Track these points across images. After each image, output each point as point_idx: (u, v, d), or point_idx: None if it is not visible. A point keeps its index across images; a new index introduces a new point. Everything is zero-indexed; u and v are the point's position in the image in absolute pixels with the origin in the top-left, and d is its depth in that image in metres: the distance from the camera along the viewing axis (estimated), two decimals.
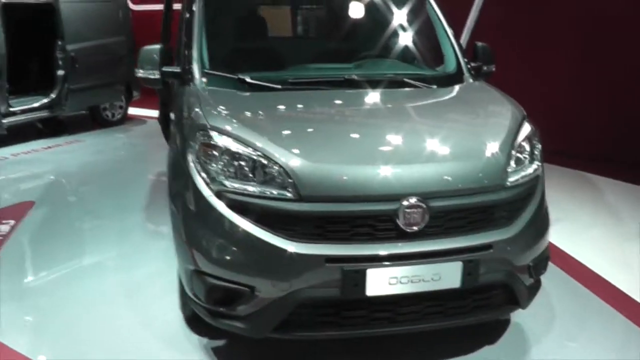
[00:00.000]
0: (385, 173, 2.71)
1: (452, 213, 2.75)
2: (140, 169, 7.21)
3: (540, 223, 3.05)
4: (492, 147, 2.94)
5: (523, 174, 2.99)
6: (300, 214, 2.65)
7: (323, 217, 2.65)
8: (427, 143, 2.95)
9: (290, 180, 2.68)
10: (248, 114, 3.14)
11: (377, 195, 2.67)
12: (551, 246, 3.21)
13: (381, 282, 2.67)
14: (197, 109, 3.12)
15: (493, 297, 2.94)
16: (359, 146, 2.91)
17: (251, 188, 2.73)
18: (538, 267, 3.07)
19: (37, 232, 5.03)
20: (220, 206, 2.77)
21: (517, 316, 3.45)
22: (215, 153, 2.85)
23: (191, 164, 2.91)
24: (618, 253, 4.71)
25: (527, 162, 3.07)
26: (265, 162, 2.74)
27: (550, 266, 3.34)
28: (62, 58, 8.44)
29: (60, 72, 8.47)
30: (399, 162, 2.77)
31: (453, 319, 2.88)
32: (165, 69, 3.69)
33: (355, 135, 3.04)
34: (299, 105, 3.36)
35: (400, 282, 2.68)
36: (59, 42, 8.40)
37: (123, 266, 4.32)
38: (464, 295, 2.85)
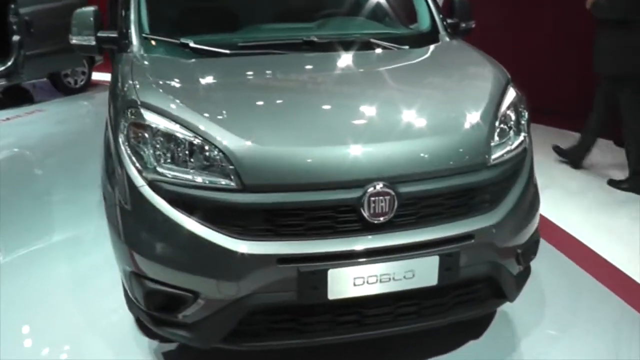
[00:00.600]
0: (345, 155, 2.30)
1: (426, 199, 2.36)
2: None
3: (528, 203, 2.67)
4: (472, 118, 2.53)
5: (508, 148, 2.59)
6: (246, 206, 2.25)
7: (272, 209, 2.25)
8: (395, 117, 2.53)
9: (231, 167, 2.26)
10: (187, 86, 2.70)
11: (335, 182, 2.27)
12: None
13: (345, 283, 2.29)
14: (129, 81, 2.68)
15: (476, 292, 2.58)
16: (314, 123, 2.48)
17: (188, 177, 2.31)
18: (527, 253, 2.70)
19: None
20: (154, 198, 2.36)
21: (504, 304, 3.09)
22: (147, 135, 2.42)
23: (122, 147, 2.48)
24: (609, 222, 4.37)
25: (512, 134, 2.67)
26: (203, 145, 2.32)
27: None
28: (15, 22, 7.84)
29: (15, 38, 7.87)
30: (361, 140, 2.35)
31: (431, 319, 2.51)
32: (100, 34, 3.23)
33: (311, 110, 2.59)
34: (249, 74, 2.91)
35: (367, 283, 2.31)
36: (12, 6, 7.80)
37: (76, 254, 3.91)
38: (442, 292, 2.48)
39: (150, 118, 2.43)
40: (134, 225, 2.44)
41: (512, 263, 2.62)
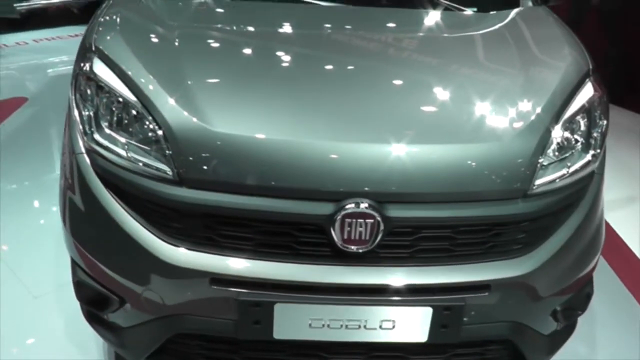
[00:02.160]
0: (320, 153, 1.67)
1: (427, 230, 1.71)
2: None
3: (582, 248, 1.95)
4: (517, 121, 1.81)
5: (564, 171, 1.85)
6: (181, 205, 1.70)
7: (212, 214, 1.69)
8: (407, 110, 1.85)
9: (168, 151, 1.71)
10: (160, 33, 2.12)
11: (300, 189, 1.66)
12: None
13: (298, 323, 1.72)
14: (98, 18, 2.17)
15: (487, 354, 1.93)
16: (293, 107, 1.83)
17: (122, 153, 1.78)
18: (571, 309, 2.02)
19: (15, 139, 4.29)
20: (88, 172, 1.87)
21: None
22: (89, 91, 1.90)
23: (73, 102, 1.99)
24: None
25: (576, 150, 1.92)
26: (143, 115, 1.77)
27: None
28: None
29: None
30: (346, 137, 1.71)
31: None
32: None
33: (299, 88, 1.92)
34: (239, 26, 2.28)
35: (329, 327, 1.72)
36: None
37: None
38: (436, 349, 1.86)
39: (100, 71, 1.91)
40: (69, 198, 1.97)
41: (544, 322, 1.95)
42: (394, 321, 1.72)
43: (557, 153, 1.86)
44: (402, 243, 1.70)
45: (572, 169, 1.87)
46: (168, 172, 1.70)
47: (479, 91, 1.92)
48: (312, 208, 1.65)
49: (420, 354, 1.85)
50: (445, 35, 2.37)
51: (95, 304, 1.96)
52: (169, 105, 1.74)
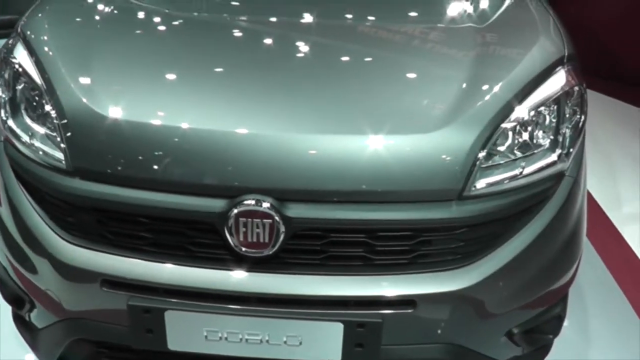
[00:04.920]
0: (214, 143, 1.48)
1: (338, 234, 1.49)
2: None
3: (548, 260, 1.67)
4: (459, 111, 1.54)
5: (517, 171, 1.58)
6: (71, 197, 1.55)
7: (103, 208, 1.53)
8: (323, 94, 1.62)
9: (60, 137, 1.57)
10: (79, 21, 1.96)
11: (192, 183, 1.48)
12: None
13: (192, 334, 1.54)
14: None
15: None
16: (191, 91, 1.63)
17: (25, 140, 1.67)
18: (535, 332, 1.73)
19: None
20: (2, 159, 1.79)
21: None
22: (7, 75, 1.80)
23: None
24: None
25: (541, 147, 1.64)
26: (45, 100, 1.64)
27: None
28: None
29: None
30: (238, 124, 1.50)
31: None
32: None
33: (201, 72, 1.71)
34: (159, 16, 2.00)
35: (227, 340, 1.53)
36: None
37: None
38: None
39: (19, 55, 1.80)
40: None
41: (496, 346, 1.68)
42: (300, 337, 1.51)
43: (510, 150, 1.60)
44: (310, 248, 1.49)
45: (527, 170, 1.59)
46: (62, 161, 1.57)
47: (415, 77, 1.69)
48: (204, 204, 1.47)
49: None
50: (404, 17, 2.09)
51: (15, 303, 1.86)
52: (67, 90, 1.61)
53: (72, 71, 1.66)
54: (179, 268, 1.51)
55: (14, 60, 1.79)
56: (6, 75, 1.79)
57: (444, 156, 1.49)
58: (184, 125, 1.50)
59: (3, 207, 1.78)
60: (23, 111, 1.73)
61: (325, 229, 1.47)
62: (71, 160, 1.55)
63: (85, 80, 1.63)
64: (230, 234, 1.46)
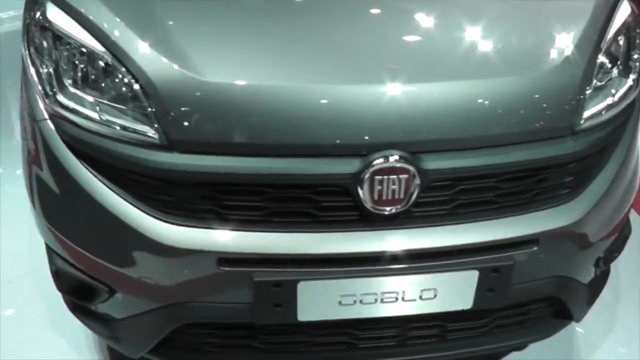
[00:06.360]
0: (336, 100, 1.39)
1: (468, 181, 1.46)
2: None
3: (625, 186, 1.74)
4: (559, 48, 1.55)
5: (609, 100, 1.62)
6: (173, 173, 1.40)
7: (211, 181, 1.40)
8: (433, 42, 1.56)
9: (150, 109, 1.40)
10: None
11: (316, 145, 1.39)
12: None
13: (325, 302, 1.48)
14: None
15: (529, 313, 1.73)
16: (294, 45, 1.50)
17: (93, 116, 1.47)
18: (612, 253, 1.83)
19: None
20: (54, 140, 1.56)
21: None
22: (46, 43, 1.57)
23: (28, 59, 1.64)
24: None
25: (616, 74, 1.69)
26: (115, 67, 1.44)
27: None
28: None
29: None
30: (366, 79, 1.42)
31: (458, 347, 1.70)
32: None
33: (296, 23, 1.58)
34: None
35: (361, 303, 1.48)
36: None
37: None
38: (478, 314, 1.64)
39: (55, 17, 1.56)
40: (35, 174, 1.66)
41: (587, 271, 1.75)
42: (435, 289, 1.49)
43: (600, 80, 1.63)
44: (439, 199, 1.46)
45: (617, 97, 1.64)
46: (152, 135, 1.40)
47: (512, 19, 1.65)
48: (335, 166, 1.38)
49: (461, 321, 1.64)
50: None
51: (79, 295, 1.69)
52: (145, 52, 1.42)
53: (141, 29, 1.47)
54: (307, 235, 1.43)
55: (50, 24, 1.55)
56: (44, 44, 1.56)
57: (562, 92, 1.50)
58: (302, 83, 1.39)
59: (57, 192, 1.58)
60: (76, 82, 1.52)
61: (457, 178, 1.44)
62: (167, 134, 1.39)
63: (163, 39, 1.45)
64: (363, 193, 1.39)
